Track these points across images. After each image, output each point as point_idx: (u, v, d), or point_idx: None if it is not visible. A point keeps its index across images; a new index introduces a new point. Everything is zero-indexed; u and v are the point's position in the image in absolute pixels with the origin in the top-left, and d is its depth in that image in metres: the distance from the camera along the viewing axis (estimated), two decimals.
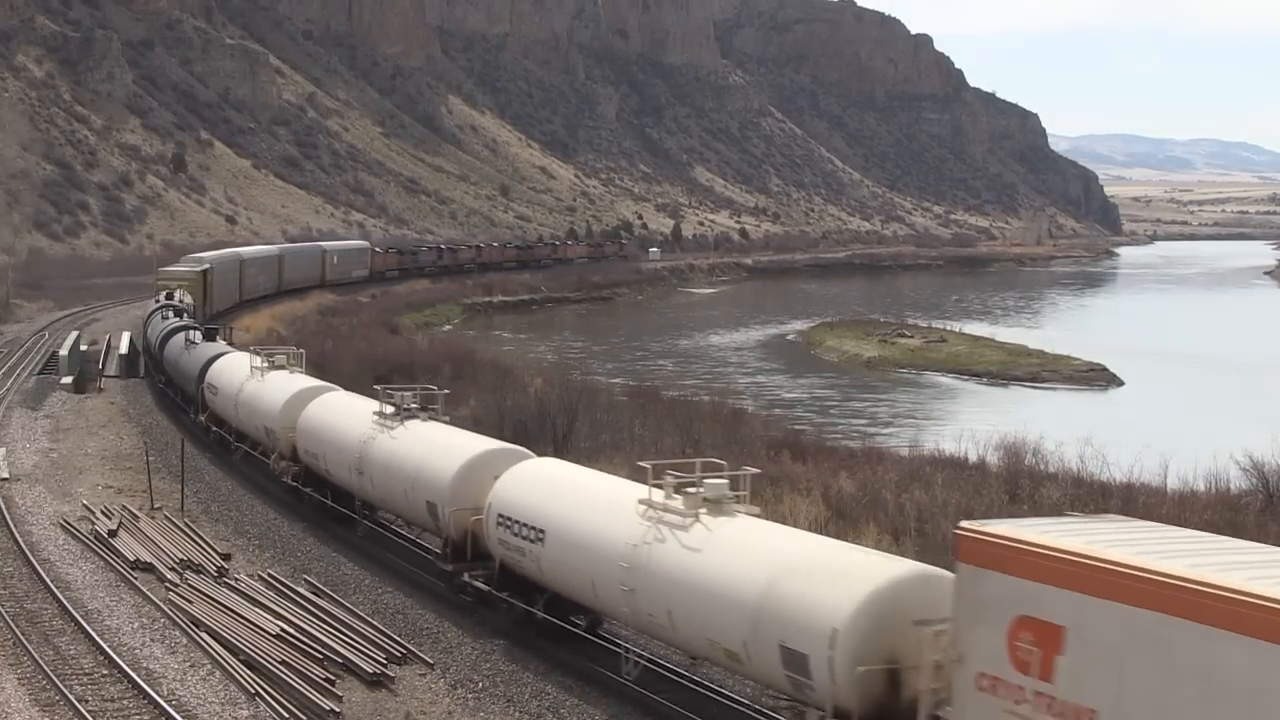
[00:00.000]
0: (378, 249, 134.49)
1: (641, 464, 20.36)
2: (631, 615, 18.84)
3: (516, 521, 21.12)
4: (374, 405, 27.75)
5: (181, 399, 44.68)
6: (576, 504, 20.50)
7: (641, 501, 18.86)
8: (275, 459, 32.15)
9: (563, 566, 20.25)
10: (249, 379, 35.18)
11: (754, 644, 16.12)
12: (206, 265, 79.36)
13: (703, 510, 18.05)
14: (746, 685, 18.93)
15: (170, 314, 55.95)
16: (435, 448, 24.58)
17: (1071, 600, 12.53)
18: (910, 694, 14.55)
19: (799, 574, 15.90)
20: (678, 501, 18.32)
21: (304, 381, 33.39)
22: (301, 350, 39.07)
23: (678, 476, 18.55)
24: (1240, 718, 10.88)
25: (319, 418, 29.92)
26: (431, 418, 26.54)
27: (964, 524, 14.20)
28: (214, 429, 38.54)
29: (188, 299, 67.78)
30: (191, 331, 46.53)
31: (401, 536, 28.14)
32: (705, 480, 18.39)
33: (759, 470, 20.35)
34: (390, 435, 26.19)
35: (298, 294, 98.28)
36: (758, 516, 18.33)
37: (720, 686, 19.45)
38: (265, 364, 35.49)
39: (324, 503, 29.94)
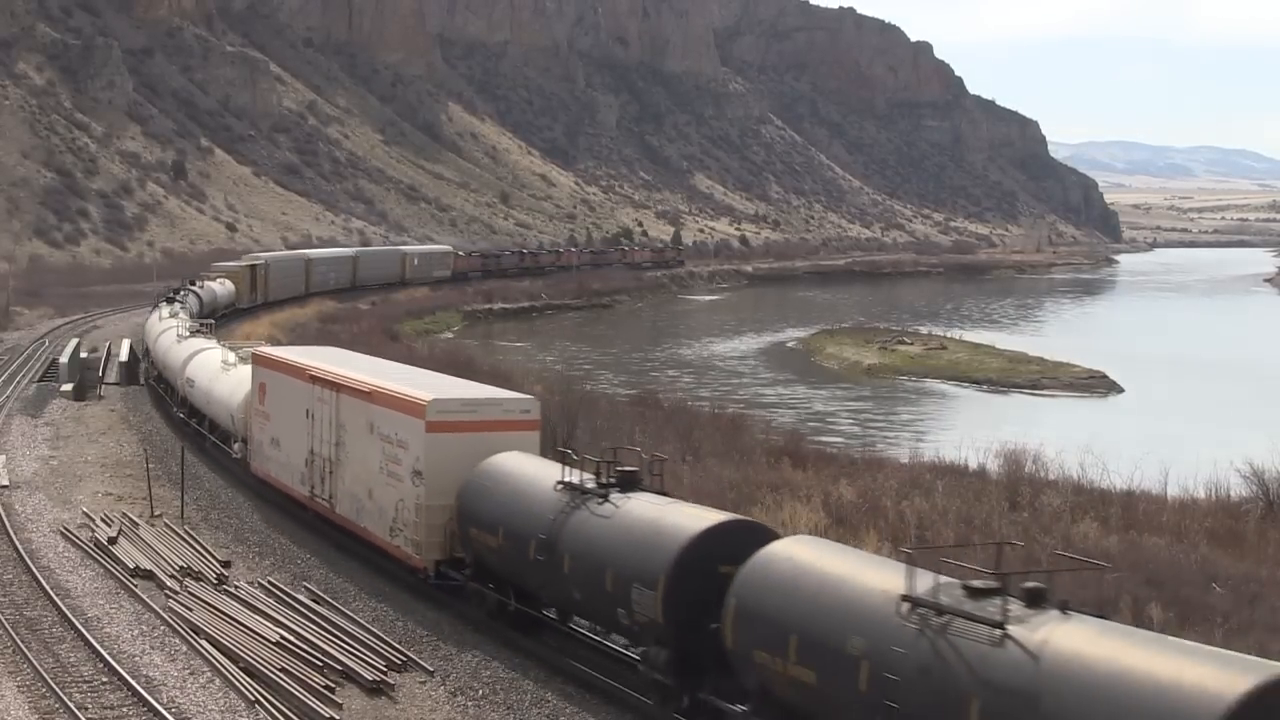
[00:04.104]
0: (460, 252, 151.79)
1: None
2: (216, 418, 37.73)
3: (191, 380, 40.45)
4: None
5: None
6: (209, 372, 38.87)
7: (222, 360, 38.71)
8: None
9: (204, 402, 39.07)
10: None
11: (236, 423, 34.84)
12: (261, 261, 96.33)
13: (236, 363, 37.65)
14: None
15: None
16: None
17: (267, 373, 31.76)
18: None
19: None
20: (231, 356, 38.90)
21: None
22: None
23: (237, 346, 41.39)
24: (287, 406, 30.10)
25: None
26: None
27: (255, 349, 36.28)
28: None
29: (220, 288, 77.76)
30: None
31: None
32: (242, 349, 40.01)
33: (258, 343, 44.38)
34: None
35: (374, 289, 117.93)
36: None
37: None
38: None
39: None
